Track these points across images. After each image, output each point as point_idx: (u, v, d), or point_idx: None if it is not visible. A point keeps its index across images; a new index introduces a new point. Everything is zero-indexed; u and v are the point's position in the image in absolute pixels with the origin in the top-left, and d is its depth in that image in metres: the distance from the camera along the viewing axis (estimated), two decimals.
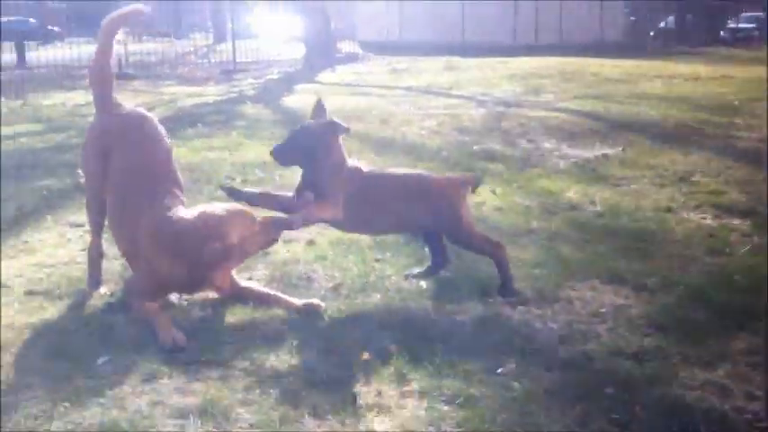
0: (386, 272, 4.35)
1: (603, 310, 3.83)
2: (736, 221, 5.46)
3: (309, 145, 3.98)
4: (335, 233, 4.89)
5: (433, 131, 9.03)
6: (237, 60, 21.00)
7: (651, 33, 33.65)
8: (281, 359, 3.29)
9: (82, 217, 5.40)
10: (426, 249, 4.36)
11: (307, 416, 2.83)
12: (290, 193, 4.09)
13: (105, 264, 4.33)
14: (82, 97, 12.74)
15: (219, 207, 3.78)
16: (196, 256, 3.58)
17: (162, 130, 4.21)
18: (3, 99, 12.57)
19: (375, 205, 4.07)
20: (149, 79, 17.10)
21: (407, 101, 11.76)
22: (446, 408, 2.90)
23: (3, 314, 3.78)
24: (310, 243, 4.79)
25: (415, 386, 3.05)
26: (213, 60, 21.60)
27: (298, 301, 3.85)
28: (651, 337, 3.54)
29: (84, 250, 4.74)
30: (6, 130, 9.26)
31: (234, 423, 2.79)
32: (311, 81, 15.93)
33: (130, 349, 3.36)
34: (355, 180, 4.03)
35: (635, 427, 2.80)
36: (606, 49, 22.78)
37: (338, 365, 3.23)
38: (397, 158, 7.47)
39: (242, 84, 15.99)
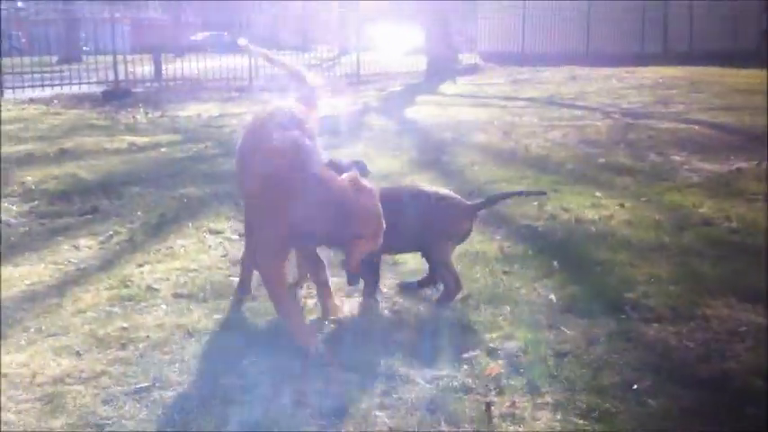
0: (514, 284, 4.38)
1: (742, 328, 3.74)
2: None
3: None
4: (461, 246, 4.95)
5: (558, 143, 8.96)
6: (361, 72, 21.42)
7: None
8: (415, 367, 3.38)
9: (220, 224, 5.71)
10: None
11: (443, 422, 2.90)
12: None
13: None
14: (216, 109, 13.35)
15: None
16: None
17: None
18: (142, 110, 13.29)
19: None
20: (278, 91, 17.65)
21: (530, 112, 11.70)
22: (581, 421, 2.91)
23: (152, 315, 4.04)
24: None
25: (548, 399, 3.08)
26: (338, 73, 22.08)
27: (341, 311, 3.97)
28: None
29: (224, 256, 5.01)
30: (147, 140, 9.81)
31: (373, 425, 2.90)
32: (433, 93, 16.08)
33: (272, 351, 3.53)
34: None
35: None
36: (739, 58, 21.88)
37: (470, 375, 3.30)
38: (520, 171, 7.47)
39: (366, 95, 16.30)
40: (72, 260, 5.05)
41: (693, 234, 5.37)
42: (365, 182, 3.53)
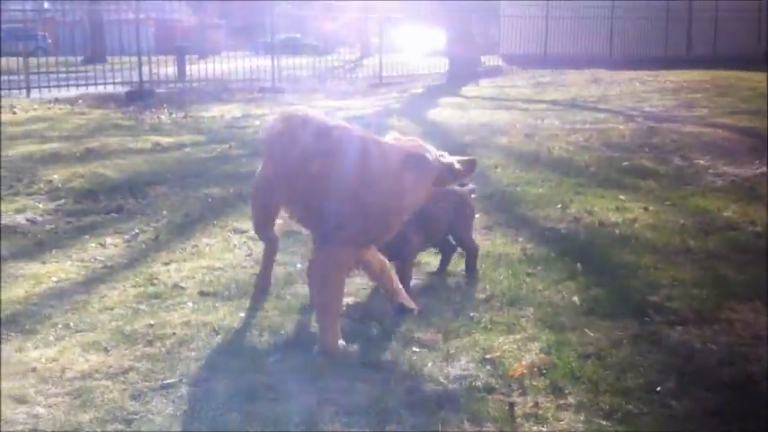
0: (537, 286, 4.39)
1: (766, 332, 3.73)
2: None
3: None
4: (485, 247, 4.98)
5: (581, 146, 8.93)
6: (383, 75, 21.44)
7: None
8: (438, 365, 3.40)
9: (244, 224, 5.75)
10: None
11: (466, 421, 2.93)
12: None
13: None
14: (238, 110, 13.42)
15: None
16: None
17: None
18: (166, 111, 13.38)
19: None
20: (300, 93, 17.74)
21: (552, 115, 11.66)
22: (604, 422, 2.93)
23: (178, 313, 4.09)
24: (461, 254, 4.89)
25: (571, 399, 3.09)
26: (360, 75, 22.13)
27: (401, 296, 3.99)
28: None
29: (249, 255, 5.06)
30: (171, 141, 9.88)
31: (397, 423, 2.93)
32: (455, 95, 16.04)
33: (297, 349, 3.57)
34: None
35: None
36: (764, 61, 21.66)
37: (493, 375, 3.32)
38: (542, 173, 7.46)
39: (388, 97, 16.32)
40: (99, 258, 5.12)
41: (718, 238, 5.35)
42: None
